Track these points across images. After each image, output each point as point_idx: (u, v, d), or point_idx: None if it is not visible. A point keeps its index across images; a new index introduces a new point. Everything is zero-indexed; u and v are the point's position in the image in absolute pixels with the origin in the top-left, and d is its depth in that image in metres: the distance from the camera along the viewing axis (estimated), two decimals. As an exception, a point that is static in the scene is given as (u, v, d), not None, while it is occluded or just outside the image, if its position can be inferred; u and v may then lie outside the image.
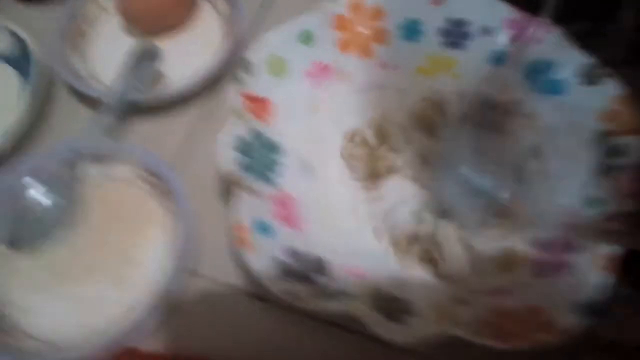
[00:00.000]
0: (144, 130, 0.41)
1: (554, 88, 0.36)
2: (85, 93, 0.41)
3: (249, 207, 0.31)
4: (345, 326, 0.31)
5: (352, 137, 0.39)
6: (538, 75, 0.36)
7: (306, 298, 0.28)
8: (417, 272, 0.33)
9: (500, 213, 0.34)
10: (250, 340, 0.32)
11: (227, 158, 0.32)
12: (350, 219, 0.35)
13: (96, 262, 0.35)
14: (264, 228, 0.31)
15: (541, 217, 0.33)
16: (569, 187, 0.33)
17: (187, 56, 0.44)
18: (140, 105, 0.41)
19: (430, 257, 0.34)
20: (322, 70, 0.39)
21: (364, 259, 0.33)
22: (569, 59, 0.35)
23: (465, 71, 0.39)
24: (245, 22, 0.44)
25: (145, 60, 0.41)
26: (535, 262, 0.31)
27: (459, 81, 0.39)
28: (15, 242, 0.35)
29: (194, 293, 0.34)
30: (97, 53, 0.46)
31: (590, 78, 0.34)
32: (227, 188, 0.31)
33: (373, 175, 0.37)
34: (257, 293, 0.33)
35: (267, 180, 0.34)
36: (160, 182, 0.36)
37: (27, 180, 0.37)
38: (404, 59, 0.39)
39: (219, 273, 0.34)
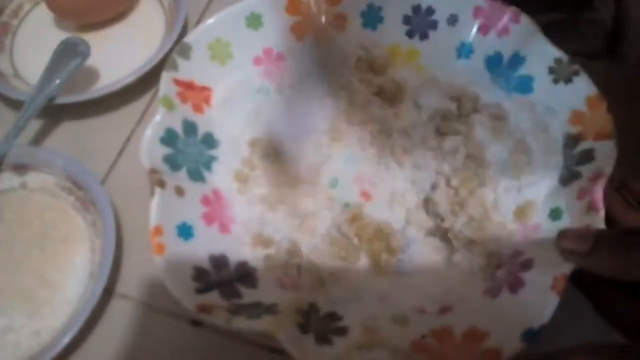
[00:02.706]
0: (72, 134, 0.38)
1: (524, 86, 0.33)
2: (5, 94, 0.37)
3: (173, 209, 0.28)
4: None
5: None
6: (507, 71, 0.33)
7: (224, 315, 0.25)
8: (360, 276, 0.30)
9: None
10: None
11: (152, 153, 0.29)
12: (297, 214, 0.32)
13: (7, 286, 0.31)
14: (186, 231, 0.28)
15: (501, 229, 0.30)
16: (534, 196, 0.30)
17: (125, 50, 0.40)
18: (67, 106, 0.37)
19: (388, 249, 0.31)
20: (275, 59, 0.35)
21: (304, 262, 0.30)
22: (541, 54, 0.32)
23: (430, 63, 0.36)
24: (185, 11, 0.40)
25: (71, 57, 0.37)
26: (487, 278, 0.28)
27: (422, 74, 0.36)
28: None
29: (113, 316, 0.31)
30: (24, 50, 0.42)
31: (563, 75, 0.31)
32: (151, 188, 0.28)
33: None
34: (181, 313, 0.30)
35: (198, 177, 0.31)
36: (84, 194, 0.33)
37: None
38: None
39: (145, 294, 0.32)
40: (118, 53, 0.40)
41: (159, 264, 0.26)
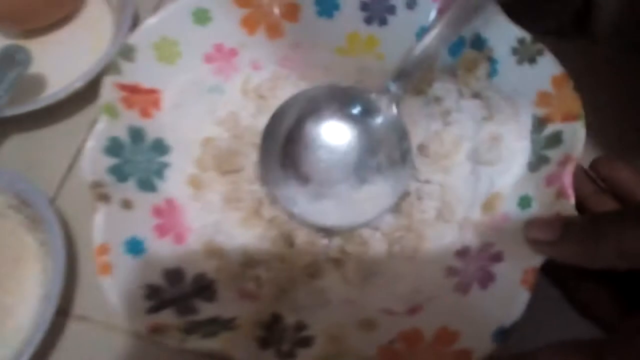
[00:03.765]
0: (19, 149, 0.36)
1: (490, 69, 0.31)
2: None
3: (120, 224, 0.26)
4: None
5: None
6: (469, 53, 0.31)
7: (177, 335, 0.23)
8: (324, 282, 0.28)
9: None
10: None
11: (95, 165, 0.27)
12: (249, 224, 0.30)
13: None
14: (135, 247, 0.26)
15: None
16: (503, 184, 0.29)
17: (72, 55, 0.38)
18: (12, 119, 0.35)
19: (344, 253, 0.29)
20: (227, 55, 0.34)
21: (262, 271, 0.28)
22: (503, 34, 0.30)
23: (391, 51, 0.34)
24: (132, 9, 0.38)
25: (10, 67, 0.34)
26: (456, 273, 0.27)
27: (383, 62, 0.34)
28: None
29: (71, 339, 0.29)
30: None
31: (527, 56, 0.29)
32: (92, 203, 0.26)
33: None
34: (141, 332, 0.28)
35: (148, 186, 0.29)
36: (34, 212, 0.31)
37: None
38: (321, 38, 0.34)
39: (103, 314, 0.30)
40: (65, 59, 0.38)
41: (105, 286, 0.24)
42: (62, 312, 0.30)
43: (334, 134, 0.32)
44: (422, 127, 0.32)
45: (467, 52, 0.31)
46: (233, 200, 0.30)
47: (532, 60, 0.29)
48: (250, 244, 0.29)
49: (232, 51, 0.34)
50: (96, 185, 0.26)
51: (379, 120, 0.31)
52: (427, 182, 0.31)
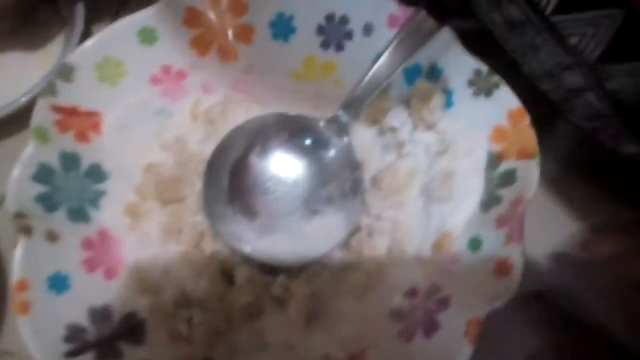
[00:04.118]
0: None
1: (445, 101, 0.30)
2: None
3: (43, 258, 0.25)
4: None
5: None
6: (425, 84, 0.30)
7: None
8: (264, 323, 0.27)
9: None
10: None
11: (21, 194, 0.25)
12: (188, 259, 0.28)
13: None
14: (60, 283, 0.24)
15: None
16: (454, 223, 0.28)
17: (15, 74, 0.36)
18: None
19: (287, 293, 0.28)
20: (175, 77, 0.32)
21: (196, 312, 0.26)
22: (459, 65, 0.29)
23: (348, 77, 0.33)
24: (81, 26, 0.36)
25: None
26: (402, 317, 0.26)
27: (341, 88, 0.33)
28: None
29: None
30: None
31: (483, 88, 0.28)
32: (13, 236, 0.24)
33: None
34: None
35: (80, 217, 0.27)
36: None
37: None
38: (276, 62, 0.33)
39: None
40: (5, 77, 0.36)
41: (21, 326, 0.23)
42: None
43: (283, 165, 0.30)
44: (376, 158, 0.31)
45: (420, 82, 0.30)
46: (173, 232, 0.29)
47: (488, 93, 0.28)
48: (188, 281, 0.27)
49: (180, 73, 0.32)
50: (19, 215, 0.25)
51: (329, 150, 0.30)
52: (379, 218, 0.29)
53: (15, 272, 0.24)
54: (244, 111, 0.33)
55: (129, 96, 0.31)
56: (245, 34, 0.32)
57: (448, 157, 0.29)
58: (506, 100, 0.28)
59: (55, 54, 0.36)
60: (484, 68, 0.28)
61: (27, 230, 0.24)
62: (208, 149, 0.31)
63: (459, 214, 0.27)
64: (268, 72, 0.33)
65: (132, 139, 0.31)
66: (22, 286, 0.23)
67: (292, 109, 0.32)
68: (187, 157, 0.31)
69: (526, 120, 0.27)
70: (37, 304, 0.23)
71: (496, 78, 0.28)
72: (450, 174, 0.28)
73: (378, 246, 0.29)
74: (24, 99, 0.32)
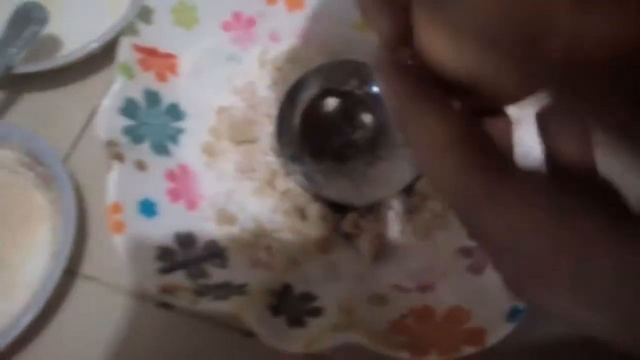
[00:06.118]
0: (33, 107, 0.35)
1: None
2: None
3: (134, 184, 0.26)
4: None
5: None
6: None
7: (189, 297, 0.23)
8: (335, 257, 0.28)
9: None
10: (141, 349, 0.28)
11: (110, 125, 0.27)
12: (262, 195, 0.29)
13: None
14: (149, 208, 0.26)
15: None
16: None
17: (89, 16, 0.37)
18: (27, 77, 0.34)
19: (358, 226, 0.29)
20: (245, 24, 0.33)
21: (274, 241, 0.28)
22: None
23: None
24: None
25: (28, 24, 0.34)
26: (469, 254, 0.27)
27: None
28: None
29: (78, 298, 0.29)
30: None
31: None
32: (107, 162, 0.26)
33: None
34: (149, 295, 0.28)
35: (162, 150, 0.28)
36: (45, 170, 0.30)
37: None
38: (341, 12, 0.33)
39: (110, 274, 0.30)
40: (82, 19, 0.37)
41: (118, 243, 0.24)
42: (70, 271, 0.29)
43: (351, 110, 0.31)
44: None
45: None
46: (247, 170, 0.30)
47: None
48: (263, 214, 0.29)
49: (250, 20, 0.33)
50: (111, 144, 0.26)
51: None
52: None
53: (110, 195, 0.25)
54: (309, 60, 0.34)
55: (202, 41, 0.32)
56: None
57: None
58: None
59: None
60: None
61: (119, 157, 0.26)
62: (275, 94, 0.32)
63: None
64: (333, 22, 0.34)
65: (206, 82, 0.32)
66: (117, 208, 0.25)
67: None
68: (257, 101, 0.32)
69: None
70: (129, 225, 0.25)
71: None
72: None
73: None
74: (103, 40, 0.34)
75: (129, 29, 0.29)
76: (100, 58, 0.35)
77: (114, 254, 0.30)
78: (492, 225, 0.13)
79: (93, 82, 0.36)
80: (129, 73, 0.28)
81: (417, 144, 0.14)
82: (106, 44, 0.34)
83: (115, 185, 0.25)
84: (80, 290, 0.30)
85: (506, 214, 0.13)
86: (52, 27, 0.35)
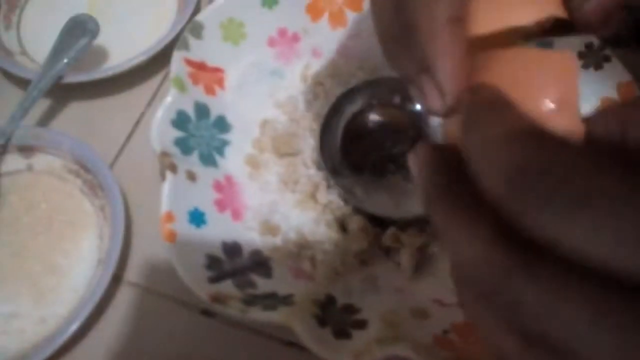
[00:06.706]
0: (80, 116, 0.36)
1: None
2: (12, 72, 0.36)
3: (184, 194, 0.27)
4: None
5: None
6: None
7: (239, 306, 0.24)
8: (376, 269, 0.29)
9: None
10: (182, 355, 0.28)
11: (162, 136, 0.28)
12: (304, 207, 0.30)
13: (12, 271, 0.30)
14: (198, 218, 0.27)
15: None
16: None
17: (135, 29, 0.39)
18: (76, 86, 0.36)
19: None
20: (289, 40, 0.34)
21: (317, 252, 0.28)
22: (570, 38, 0.30)
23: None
24: None
25: (80, 35, 0.35)
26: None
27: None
28: None
29: (122, 304, 0.30)
30: (32, 27, 0.40)
31: (594, 61, 0.30)
32: (161, 172, 0.27)
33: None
34: (192, 302, 0.29)
35: (210, 161, 0.29)
36: (93, 178, 0.32)
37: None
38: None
39: (153, 281, 0.30)
40: (128, 32, 0.39)
41: (170, 252, 0.25)
42: (115, 277, 0.30)
43: (392, 126, 0.32)
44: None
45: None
46: (290, 182, 0.31)
47: (598, 66, 0.29)
48: (305, 226, 0.29)
49: (294, 36, 0.34)
50: (165, 154, 0.27)
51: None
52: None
53: (164, 204, 0.26)
54: (350, 75, 0.34)
55: (248, 56, 0.33)
56: (356, 2, 0.34)
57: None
58: (617, 73, 0.29)
59: (171, 13, 0.39)
60: (596, 42, 0.29)
61: (173, 168, 0.27)
62: (317, 109, 0.33)
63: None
64: (374, 39, 0.34)
65: (250, 96, 0.33)
66: (169, 217, 0.26)
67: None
68: (299, 114, 0.33)
69: (636, 93, 0.28)
70: (180, 234, 0.26)
71: (607, 52, 0.29)
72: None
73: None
74: (151, 52, 0.35)
75: (181, 43, 0.30)
76: (145, 69, 0.36)
77: (157, 261, 0.32)
78: None
79: (139, 92, 0.37)
80: (181, 86, 0.29)
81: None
82: (152, 57, 0.35)
83: (169, 195, 0.26)
84: (124, 297, 0.31)
85: None
86: (100, 39, 0.37)
